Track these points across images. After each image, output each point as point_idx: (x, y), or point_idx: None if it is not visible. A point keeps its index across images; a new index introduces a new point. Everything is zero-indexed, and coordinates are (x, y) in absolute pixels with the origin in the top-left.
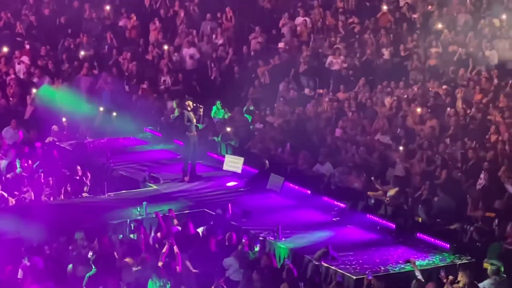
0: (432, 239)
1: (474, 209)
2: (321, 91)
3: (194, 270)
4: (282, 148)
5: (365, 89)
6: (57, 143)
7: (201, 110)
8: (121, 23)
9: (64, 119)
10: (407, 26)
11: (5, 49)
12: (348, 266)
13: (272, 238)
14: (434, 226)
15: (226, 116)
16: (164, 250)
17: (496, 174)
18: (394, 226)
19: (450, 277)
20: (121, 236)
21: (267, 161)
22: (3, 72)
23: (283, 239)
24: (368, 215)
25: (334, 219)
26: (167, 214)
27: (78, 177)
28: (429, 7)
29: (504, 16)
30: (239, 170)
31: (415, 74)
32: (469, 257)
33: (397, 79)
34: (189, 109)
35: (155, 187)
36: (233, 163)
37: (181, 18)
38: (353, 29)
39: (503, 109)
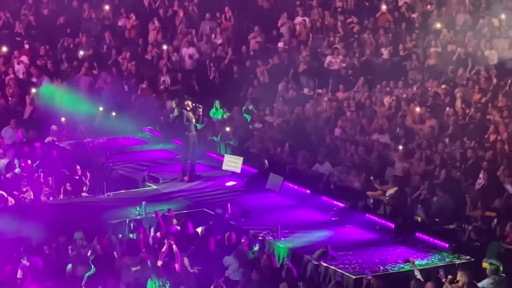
0: (431, 239)
1: (473, 209)
2: (320, 90)
3: (191, 270)
4: (281, 148)
5: (364, 89)
6: (56, 142)
7: (200, 109)
8: (120, 23)
9: (63, 119)
10: (406, 25)
11: (4, 49)
12: (347, 266)
13: (271, 238)
14: (433, 225)
15: (225, 116)
16: (163, 249)
17: (495, 174)
18: (393, 225)
19: (449, 277)
20: (120, 235)
21: (266, 161)
22: (2, 72)
23: (282, 238)
24: (367, 215)
25: (333, 218)
26: (166, 214)
27: (77, 177)
28: (428, 6)
29: (503, 16)
30: (238, 170)
31: (414, 74)
32: (468, 257)
33: (396, 79)
34: (188, 108)
35: (154, 186)
36: (233, 163)
37: (180, 18)
38: (352, 29)
39: (502, 109)
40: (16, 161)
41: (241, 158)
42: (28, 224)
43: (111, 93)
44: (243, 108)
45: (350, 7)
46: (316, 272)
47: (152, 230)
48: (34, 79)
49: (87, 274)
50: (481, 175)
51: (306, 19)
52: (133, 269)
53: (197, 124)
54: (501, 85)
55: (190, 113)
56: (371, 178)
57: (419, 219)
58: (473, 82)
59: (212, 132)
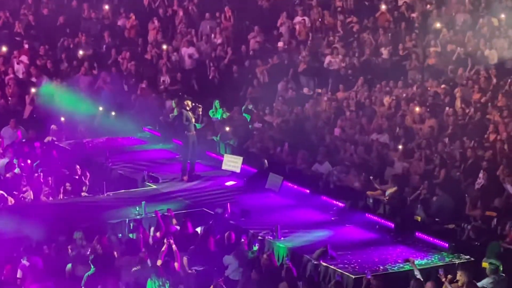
0: (431, 239)
1: (472, 208)
2: (319, 90)
3: (190, 271)
4: (281, 148)
5: (363, 89)
6: (56, 142)
7: (200, 109)
8: (119, 23)
9: (62, 119)
10: (405, 25)
11: (4, 49)
12: (347, 266)
13: (271, 238)
14: (432, 225)
15: (224, 116)
16: (163, 249)
17: (495, 173)
18: (393, 225)
19: (449, 276)
20: (120, 235)
21: (266, 161)
22: (2, 72)
23: (282, 238)
24: (367, 215)
25: (332, 218)
26: (166, 214)
27: (77, 177)
28: (428, 6)
29: (502, 16)
30: (238, 170)
31: (413, 74)
32: (467, 256)
33: (396, 79)
34: (187, 108)
35: (154, 186)
36: (232, 163)
37: (179, 18)
38: (352, 29)
39: (502, 108)
40: (15, 161)
41: (241, 158)
42: (27, 224)
43: (111, 93)
44: (243, 107)
45: (349, 7)
46: (315, 272)
47: (152, 230)
48: (33, 79)
49: (86, 274)
50: (480, 175)
51: (306, 18)
52: (133, 269)
53: (196, 124)
54: (500, 85)
55: (190, 113)
56: (371, 177)
57: (419, 218)
58: (473, 82)
59: (212, 132)
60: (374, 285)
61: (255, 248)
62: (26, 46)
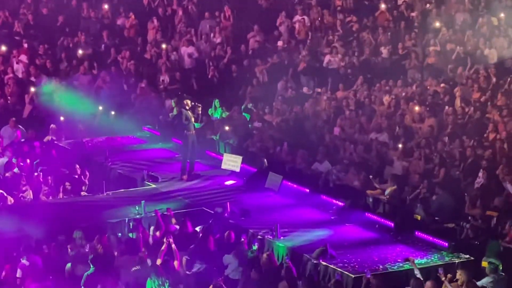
0: (431, 238)
1: (472, 207)
2: (319, 89)
3: (188, 272)
4: (281, 147)
5: (363, 88)
6: (55, 142)
7: (200, 108)
8: (119, 22)
9: (62, 118)
10: (405, 24)
11: (3, 48)
12: (346, 265)
13: (271, 237)
14: (432, 224)
15: (224, 115)
16: (162, 248)
17: (495, 173)
18: (392, 224)
19: (449, 276)
20: (119, 234)
21: (265, 160)
22: (1, 71)
23: (282, 237)
24: (366, 214)
25: (332, 217)
26: (165, 213)
27: (76, 176)
28: (427, 5)
29: (502, 15)
30: (237, 169)
31: (413, 73)
32: (467, 256)
33: (396, 78)
34: (187, 107)
35: (153, 185)
36: (232, 162)
37: (179, 17)
38: (351, 28)
39: (501, 108)
40: (14, 160)
41: (240, 157)
42: (27, 223)
43: (110, 92)
44: (242, 107)
45: (349, 6)
46: (315, 271)
47: (151, 229)
48: (33, 78)
49: (86, 273)
50: (480, 174)
51: (305, 18)
52: (133, 268)
53: (196, 123)
54: (500, 84)
55: (189, 112)
56: (370, 177)
57: (419, 217)
58: (473, 81)
59: (211, 131)
60: (373, 284)
61: (255, 247)
62: (26, 45)
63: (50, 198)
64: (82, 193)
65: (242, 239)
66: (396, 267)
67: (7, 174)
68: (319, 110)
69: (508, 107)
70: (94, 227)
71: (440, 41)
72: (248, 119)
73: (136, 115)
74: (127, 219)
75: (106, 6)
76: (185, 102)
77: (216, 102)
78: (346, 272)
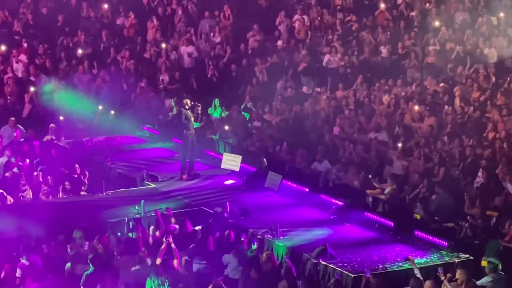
0: (430, 237)
1: (471, 207)
2: (319, 89)
3: (186, 273)
4: (280, 146)
5: (363, 87)
6: (55, 141)
7: (199, 108)
8: (119, 22)
9: (61, 117)
10: (404, 24)
11: (3, 48)
12: (346, 264)
13: (270, 236)
14: (432, 223)
15: (223, 114)
16: (162, 247)
17: (494, 172)
18: (392, 224)
19: (448, 275)
20: (119, 234)
21: (265, 159)
22: (1, 71)
23: (281, 237)
24: (366, 213)
25: (331, 217)
26: (165, 213)
27: (76, 176)
28: (427, 5)
29: (501, 14)
30: (237, 168)
31: (412, 72)
32: (467, 255)
33: (395, 77)
34: (187, 107)
35: (153, 185)
36: (231, 161)
37: (179, 16)
38: (351, 27)
39: (501, 107)
40: (13, 160)
41: (240, 157)
42: (27, 223)
43: (110, 91)
44: (242, 106)
45: (349, 5)
46: (315, 271)
47: (151, 229)
48: (32, 78)
49: (85, 273)
50: (479, 173)
51: (305, 17)
52: (132, 268)
53: (195, 123)
54: (500, 83)
55: (189, 112)
56: (370, 176)
57: (418, 217)
58: (472, 80)
59: (211, 131)
60: (373, 283)
61: (254, 247)
62: (25, 45)
63: (50, 197)
64: (82, 192)
65: (242, 239)
66: (395, 266)
67: (6, 174)
68: (319, 109)
69: (508, 106)
70: (93, 226)
71: (439, 40)
72: (247, 119)
73: (135, 114)
74: (126, 218)
75: (105, 6)
76: (184, 101)
77: (216, 102)
78: (345, 272)
